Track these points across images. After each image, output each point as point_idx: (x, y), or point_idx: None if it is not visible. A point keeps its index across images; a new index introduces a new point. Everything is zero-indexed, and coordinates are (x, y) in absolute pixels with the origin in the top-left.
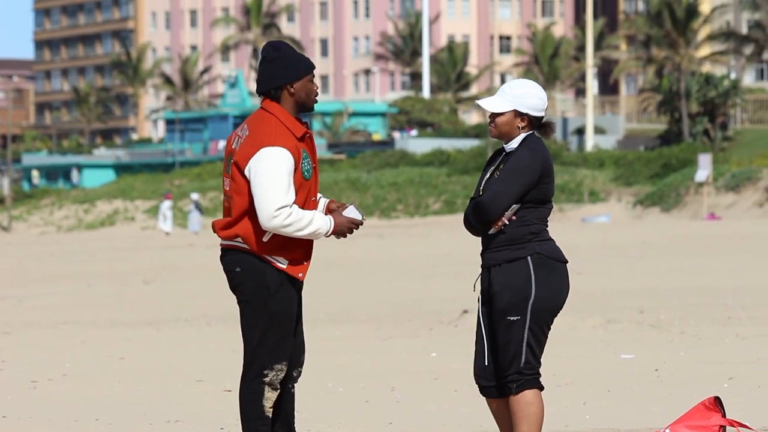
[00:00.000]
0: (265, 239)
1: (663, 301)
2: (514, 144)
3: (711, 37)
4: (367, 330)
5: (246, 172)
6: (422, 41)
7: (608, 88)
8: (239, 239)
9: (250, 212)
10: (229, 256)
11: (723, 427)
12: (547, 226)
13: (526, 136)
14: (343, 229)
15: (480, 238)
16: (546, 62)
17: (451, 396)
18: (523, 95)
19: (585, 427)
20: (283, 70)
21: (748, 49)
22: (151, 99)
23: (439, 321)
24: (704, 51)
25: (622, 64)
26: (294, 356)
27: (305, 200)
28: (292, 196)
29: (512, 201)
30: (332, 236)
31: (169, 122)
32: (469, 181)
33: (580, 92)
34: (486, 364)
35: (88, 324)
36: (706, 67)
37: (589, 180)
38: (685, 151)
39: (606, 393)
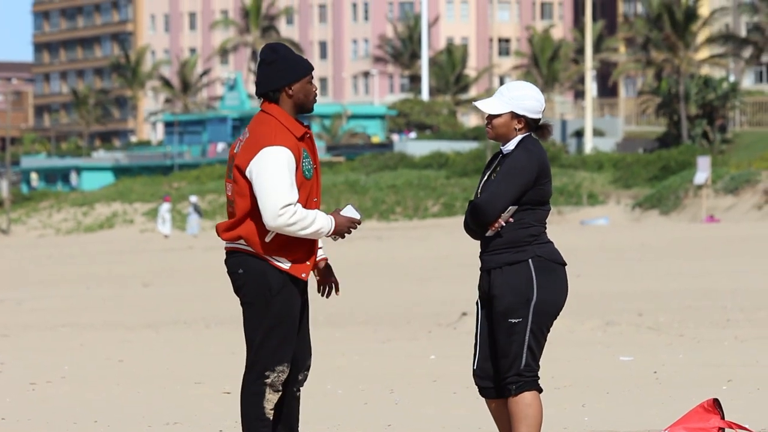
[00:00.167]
0: (267, 239)
1: (662, 304)
2: (510, 146)
3: (710, 40)
4: (365, 332)
5: (247, 174)
6: (421, 44)
7: (607, 90)
8: (242, 241)
9: (253, 213)
10: (232, 259)
11: (722, 429)
12: (545, 228)
13: (523, 138)
14: (343, 229)
15: (479, 241)
16: (545, 65)
17: (450, 398)
18: (521, 97)
19: (584, 429)
20: (281, 72)
21: (747, 52)
22: (150, 101)
23: (438, 323)
24: (703, 54)
25: (621, 67)
26: (300, 359)
27: (306, 200)
28: (295, 195)
29: (509, 202)
30: (331, 237)
31: (168, 125)
32: (468, 183)
33: (579, 95)
34: (485, 365)
35: (87, 326)
36: (705, 70)
37: (588, 182)
38: (684, 154)
39: (605, 395)
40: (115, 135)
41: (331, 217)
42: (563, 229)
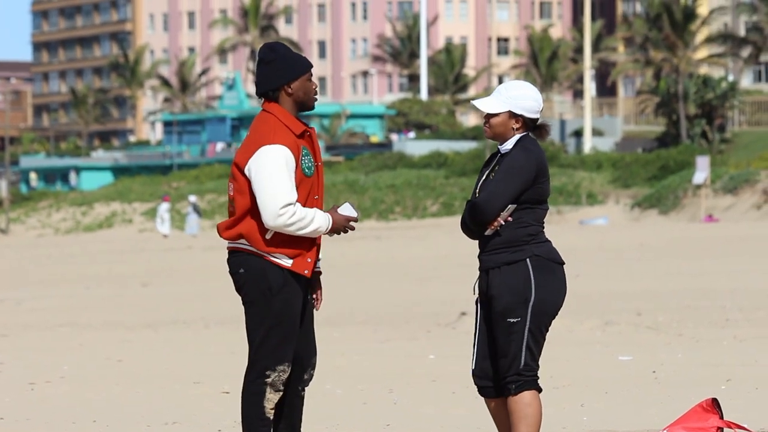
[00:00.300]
0: (267, 236)
1: (661, 304)
2: (508, 145)
3: (709, 40)
4: (365, 332)
5: (246, 171)
6: (420, 43)
7: (606, 90)
8: (243, 241)
9: (253, 210)
10: (233, 258)
11: (720, 429)
12: (543, 227)
13: (521, 137)
14: (340, 227)
15: (477, 241)
16: (544, 64)
17: (449, 398)
18: (519, 97)
19: (582, 428)
20: (280, 71)
21: (746, 52)
22: (149, 101)
23: (437, 323)
24: (702, 53)
25: (619, 67)
26: (305, 357)
27: (306, 198)
28: (295, 194)
29: (507, 201)
30: (328, 234)
31: (167, 124)
32: (467, 183)
33: (578, 94)
34: (484, 365)
35: (86, 326)
36: (704, 69)
37: (587, 182)
38: (683, 153)
39: (604, 395)
40: (114, 135)
41: (329, 215)
42: (562, 228)
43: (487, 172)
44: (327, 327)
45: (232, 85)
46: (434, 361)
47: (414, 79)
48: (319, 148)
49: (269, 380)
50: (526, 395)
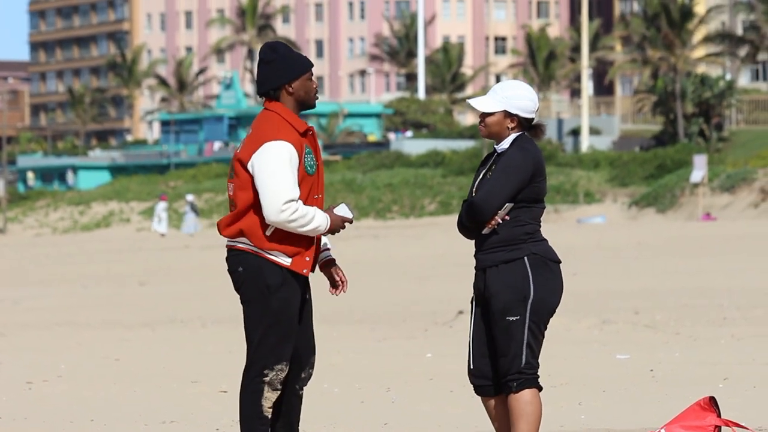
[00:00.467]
0: (268, 233)
1: (658, 302)
2: (505, 144)
3: (706, 39)
4: (362, 331)
5: (249, 167)
6: (417, 42)
7: (603, 88)
8: (242, 239)
9: (255, 206)
10: (232, 257)
11: (718, 427)
12: (540, 226)
13: (517, 136)
14: (337, 227)
15: (473, 240)
16: (541, 63)
17: (447, 396)
18: (514, 96)
19: (580, 427)
20: (280, 71)
21: (743, 50)
22: (146, 100)
23: (435, 322)
24: (699, 52)
25: (617, 65)
26: (303, 356)
27: (307, 196)
28: (297, 191)
29: (505, 200)
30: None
31: (164, 123)
32: (465, 182)
33: (576, 93)
34: (481, 363)
35: (84, 325)
36: (702, 68)
37: (585, 181)
38: (681, 152)
39: (601, 393)
40: (112, 134)
41: (327, 215)
42: (560, 227)
43: (483, 171)
44: (324, 325)
45: (230, 84)
46: (432, 359)
47: (411, 78)
48: (319, 147)
49: (267, 379)
50: (527, 393)
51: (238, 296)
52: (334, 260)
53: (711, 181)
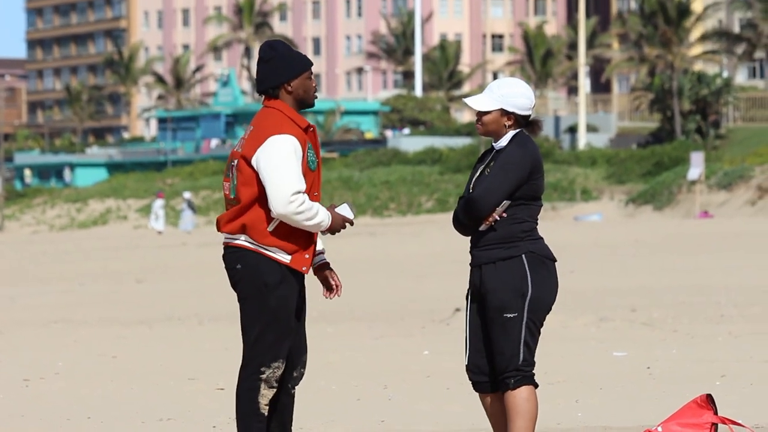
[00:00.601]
0: (270, 228)
1: (655, 300)
2: (503, 142)
3: (704, 37)
4: (359, 328)
5: (254, 162)
6: (414, 40)
7: (600, 86)
8: (242, 236)
9: (260, 201)
10: (230, 255)
11: (715, 425)
12: (537, 223)
13: (516, 134)
14: (338, 226)
15: (469, 237)
16: (539, 61)
17: (444, 394)
18: (510, 94)
19: (577, 424)
20: (280, 69)
21: (740, 48)
22: (143, 98)
23: (432, 319)
24: (696, 50)
25: (614, 63)
26: (296, 355)
27: (308, 193)
28: (304, 183)
29: (503, 197)
30: (323, 232)
31: (162, 121)
32: (462, 179)
33: (573, 90)
34: (478, 360)
35: (81, 323)
36: (699, 66)
37: (582, 178)
38: (678, 150)
39: (598, 391)
40: (109, 131)
41: (329, 212)
42: (557, 224)
43: (481, 167)
44: (322, 323)
45: (227, 81)
46: (429, 357)
47: (408, 75)
48: (319, 145)
49: (264, 376)
50: (524, 390)
51: (236, 293)
52: (328, 263)
53: (708, 179)
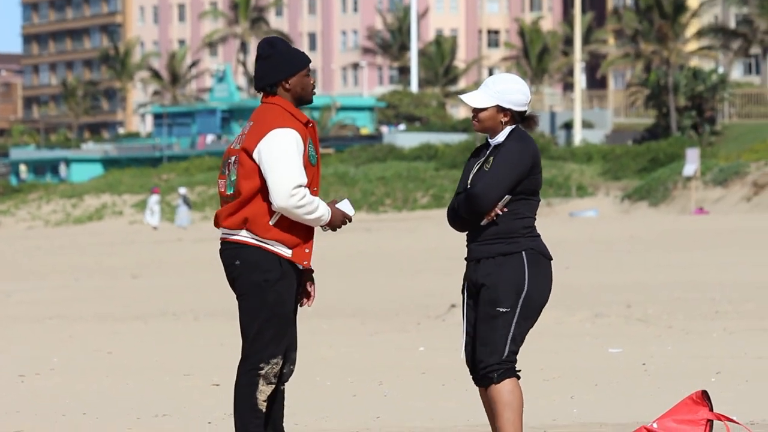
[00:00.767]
0: (272, 222)
1: (651, 296)
2: (500, 137)
3: (699, 32)
4: (354, 324)
5: (255, 155)
6: (410, 35)
7: (596, 82)
8: (241, 232)
9: (261, 194)
10: (228, 251)
11: (710, 421)
12: (535, 219)
13: (513, 129)
14: (337, 221)
15: (465, 232)
16: (534, 56)
17: (439, 390)
18: (506, 91)
19: (572, 420)
20: (278, 67)
21: (736, 44)
22: (139, 93)
23: (427, 315)
24: (692, 45)
25: (610, 59)
26: (287, 352)
27: (308, 187)
28: (305, 177)
29: (505, 192)
30: (323, 228)
31: (157, 116)
32: (458, 175)
33: (568, 86)
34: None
35: (76, 318)
36: (694, 62)
37: (577, 174)
38: (673, 146)
39: (593, 387)
40: (104, 127)
41: (329, 207)
42: (552, 221)
43: (479, 162)
44: (316, 319)
45: (223, 77)
46: (424, 353)
47: (404, 71)
48: (318, 141)
49: (262, 372)
50: (508, 383)
51: (233, 289)
52: (312, 271)
53: (704, 175)
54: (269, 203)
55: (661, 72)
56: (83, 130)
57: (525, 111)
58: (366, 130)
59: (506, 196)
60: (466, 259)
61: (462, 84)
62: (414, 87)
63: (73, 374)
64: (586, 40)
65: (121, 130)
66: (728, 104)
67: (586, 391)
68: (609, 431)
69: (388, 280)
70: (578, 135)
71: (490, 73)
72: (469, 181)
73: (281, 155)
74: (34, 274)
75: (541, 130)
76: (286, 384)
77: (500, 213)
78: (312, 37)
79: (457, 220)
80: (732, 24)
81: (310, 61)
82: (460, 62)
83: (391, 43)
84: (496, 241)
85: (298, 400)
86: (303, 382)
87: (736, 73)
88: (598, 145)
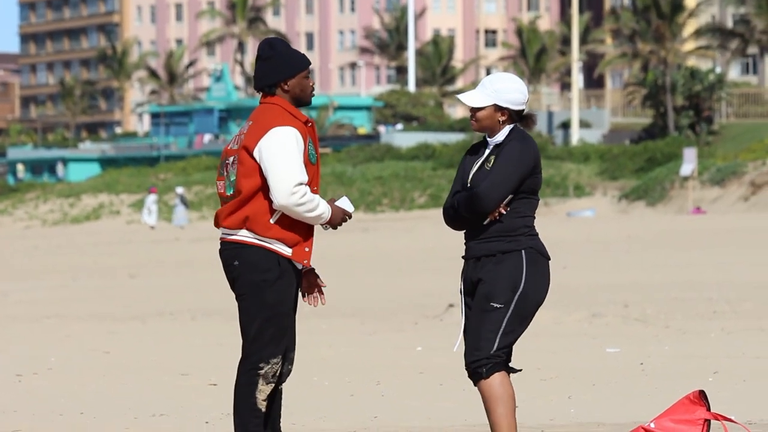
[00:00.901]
0: (272, 220)
1: (648, 296)
2: (499, 137)
3: (697, 32)
4: (352, 324)
5: (255, 153)
6: (408, 35)
7: (593, 81)
8: (241, 231)
9: (262, 192)
10: (227, 251)
11: (707, 421)
12: (534, 219)
13: (513, 128)
14: (337, 219)
15: (463, 231)
16: (532, 56)
17: (436, 390)
18: (504, 90)
19: (570, 420)
20: (277, 68)
21: (733, 44)
22: (136, 93)
23: (425, 315)
24: (689, 45)
25: (607, 59)
26: (285, 352)
27: (309, 185)
28: (306, 175)
29: (509, 192)
30: (323, 226)
31: (155, 116)
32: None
33: (566, 86)
34: None
35: (74, 318)
36: (692, 61)
37: (575, 174)
38: (671, 145)
39: (591, 387)
40: (102, 126)
41: (329, 205)
42: (550, 220)
43: (479, 161)
44: (314, 319)
45: (220, 76)
46: (421, 353)
47: (402, 71)
48: (317, 140)
49: (262, 372)
50: (497, 377)
51: (233, 289)
52: (313, 269)
53: (701, 175)
54: (270, 201)
55: (659, 72)
56: (80, 129)
57: (523, 110)
58: (363, 130)
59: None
60: (464, 257)
61: (459, 84)
62: (411, 87)
63: (70, 374)
64: (584, 39)
65: (118, 130)
66: (725, 104)
67: (583, 391)
68: (606, 431)
69: (386, 279)
70: (575, 135)
71: (488, 73)
72: (469, 180)
73: (282, 153)
74: (31, 274)
75: (539, 129)
76: (283, 384)
77: (503, 212)
78: (309, 37)
79: (456, 219)
80: (729, 24)
81: (309, 64)
82: (457, 62)
83: (389, 42)
84: (497, 239)
85: (296, 399)
86: (301, 382)
87: (734, 73)
88: (596, 145)
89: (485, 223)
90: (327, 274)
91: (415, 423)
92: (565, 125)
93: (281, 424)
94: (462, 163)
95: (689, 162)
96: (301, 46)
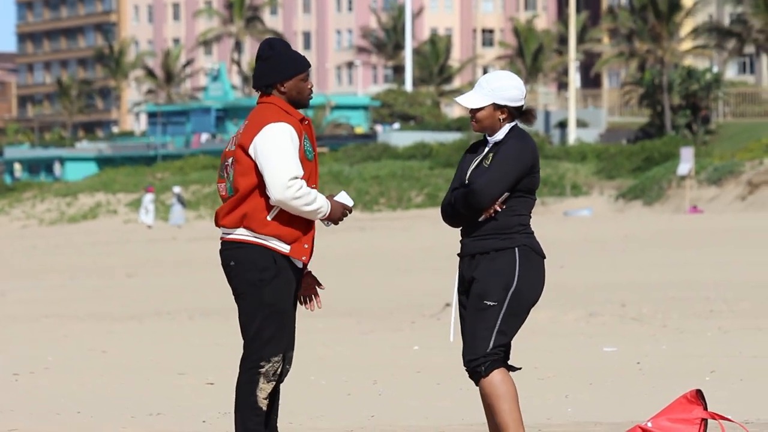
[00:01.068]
0: (269, 217)
1: (645, 295)
2: (500, 135)
3: (694, 31)
4: (349, 323)
5: (251, 150)
6: (405, 34)
7: (590, 81)
8: (239, 230)
9: (259, 189)
10: (226, 251)
11: (705, 420)
12: (530, 218)
13: (513, 127)
14: (337, 214)
15: (459, 228)
16: (529, 55)
17: (433, 389)
18: (501, 88)
19: (567, 420)
20: (275, 69)
21: (730, 43)
22: (133, 92)
23: (422, 314)
24: (686, 44)
25: (604, 58)
26: (285, 350)
27: (306, 182)
28: (301, 169)
29: (505, 189)
30: (324, 222)
31: (152, 115)
32: (452, 174)
33: (563, 85)
34: None
35: (71, 317)
36: (689, 61)
37: (572, 173)
38: (668, 145)
39: (588, 386)
40: (99, 125)
41: (328, 201)
42: (547, 220)
43: (478, 159)
44: (311, 318)
45: (217, 76)
46: (418, 352)
47: (399, 70)
48: (314, 138)
49: (263, 370)
50: (497, 374)
51: (232, 289)
52: (310, 271)
53: (698, 174)
54: (267, 198)
55: (656, 71)
56: (78, 128)
57: (522, 106)
58: (360, 129)
59: (505, 194)
60: (459, 254)
61: (457, 83)
62: (408, 86)
63: (68, 373)
64: (581, 39)
65: (115, 129)
66: (722, 103)
67: (580, 390)
68: (603, 430)
69: (383, 279)
70: (573, 134)
71: (485, 72)
72: (467, 177)
73: (275, 148)
74: (29, 274)
75: (536, 129)
76: (281, 383)
77: (499, 210)
78: (306, 36)
79: (454, 216)
80: (726, 23)
81: (308, 66)
82: (454, 61)
83: (386, 42)
84: (492, 237)
85: (293, 399)
86: (298, 381)
87: (731, 72)
88: (593, 144)
89: (480, 220)
90: (324, 273)
91: (412, 422)
92: (562, 124)
93: (278, 424)
94: (461, 161)
95: (686, 161)
96: (298, 46)
